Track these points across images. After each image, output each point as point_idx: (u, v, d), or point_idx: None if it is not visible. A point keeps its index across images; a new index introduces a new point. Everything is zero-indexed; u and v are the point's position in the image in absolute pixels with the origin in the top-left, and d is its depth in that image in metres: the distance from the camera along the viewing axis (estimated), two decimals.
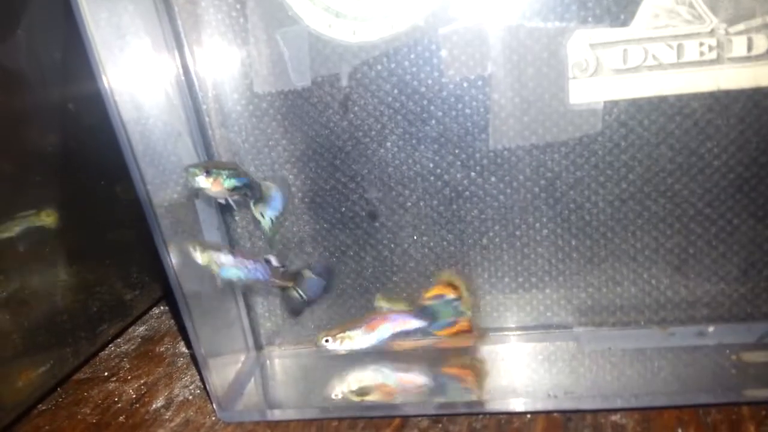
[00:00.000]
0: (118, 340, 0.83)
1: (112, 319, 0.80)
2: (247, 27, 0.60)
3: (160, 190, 0.57)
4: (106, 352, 0.80)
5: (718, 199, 0.62)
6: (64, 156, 0.72)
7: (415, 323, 0.64)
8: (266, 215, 0.63)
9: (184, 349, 0.79)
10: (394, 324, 0.64)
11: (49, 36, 0.69)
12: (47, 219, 0.70)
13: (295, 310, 0.70)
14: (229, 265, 0.61)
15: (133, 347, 0.81)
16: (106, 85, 0.52)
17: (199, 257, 0.60)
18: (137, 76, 0.57)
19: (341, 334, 0.64)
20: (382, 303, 0.65)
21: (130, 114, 0.56)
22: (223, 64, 0.62)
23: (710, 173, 0.61)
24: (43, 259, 0.69)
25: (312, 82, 0.61)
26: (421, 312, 0.64)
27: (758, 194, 0.61)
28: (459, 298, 0.64)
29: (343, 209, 0.66)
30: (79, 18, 0.51)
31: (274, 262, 0.63)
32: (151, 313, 0.89)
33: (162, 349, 0.80)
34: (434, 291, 0.65)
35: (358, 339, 0.64)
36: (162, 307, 0.89)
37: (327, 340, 0.64)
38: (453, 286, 0.65)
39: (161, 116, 0.60)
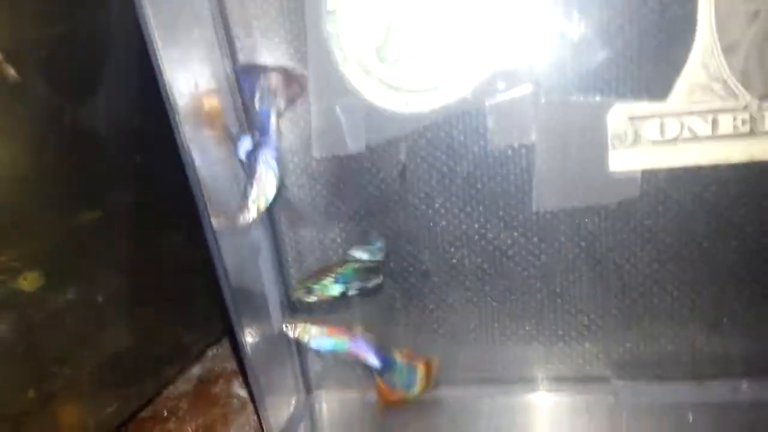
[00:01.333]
0: (177, 381, 0.84)
1: (173, 360, 0.82)
2: (309, 98, 0.63)
3: (227, 238, 0.59)
4: (165, 392, 0.82)
5: (751, 263, 0.62)
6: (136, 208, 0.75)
7: (371, 360, 0.64)
8: None
9: (237, 391, 0.80)
10: (354, 346, 0.63)
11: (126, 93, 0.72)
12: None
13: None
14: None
15: (190, 388, 0.82)
16: (182, 139, 0.54)
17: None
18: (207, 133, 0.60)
19: (302, 326, 0.63)
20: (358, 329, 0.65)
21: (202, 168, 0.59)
22: (286, 132, 0.64)
23: (743, 238, 0.61)
24: (112, 303, 0.72)
25: (366, 148, 0.64)
26: (385, 359, 0.64)
27: None
28: (420, 377, 0.66)
29: (392, 264, 0.68)
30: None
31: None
32: (205, 354, 0.91)
33: (217, 390, 0.80)
34: (410, 356, 0.66)
35: (314, 338, 0.63)
36: (215, 350, 0.91)
37: (287, 327, 0.63)
38: (427, 368, 0.66)
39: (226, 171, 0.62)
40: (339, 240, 0.67)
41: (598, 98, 0.59)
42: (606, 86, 0.58)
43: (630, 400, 0.68)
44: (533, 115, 0.60)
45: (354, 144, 0.64)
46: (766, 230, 0.60)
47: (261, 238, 0.66)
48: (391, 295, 0.68)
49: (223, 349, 0.88)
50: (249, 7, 0.60)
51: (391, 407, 0.68)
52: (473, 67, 0.59)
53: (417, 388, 0.67)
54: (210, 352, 0.91)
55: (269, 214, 0.68)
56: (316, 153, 0.65)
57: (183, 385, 0.83)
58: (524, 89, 0.59)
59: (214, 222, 0.58)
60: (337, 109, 0.62)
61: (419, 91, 0.61)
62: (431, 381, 0.68)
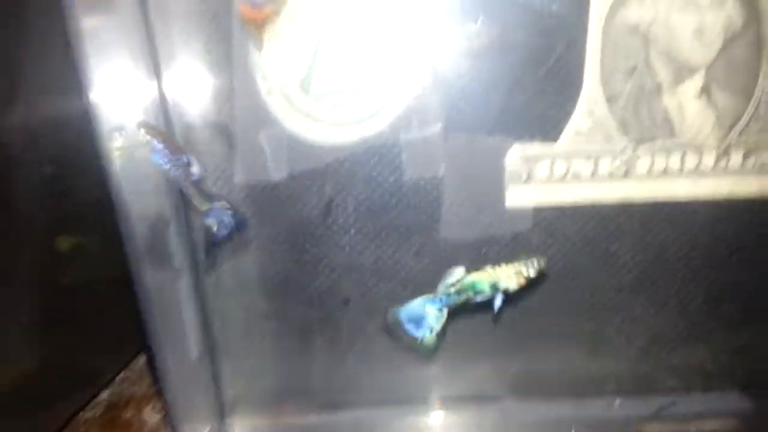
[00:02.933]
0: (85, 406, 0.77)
1: (83, 385, 0.74)
2: (232, 126, 0.61)
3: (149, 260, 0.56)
4: (73, 419, 0.74)
5: (624, 290, 0.66)
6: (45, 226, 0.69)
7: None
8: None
9: (148, 416, 0.73)
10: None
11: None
12: None
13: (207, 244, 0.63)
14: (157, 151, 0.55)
15: (99, 413, 0.75)
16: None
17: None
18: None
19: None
20: None
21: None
22: (207, 157, 0.62)
23: (619, 268, 0.65)
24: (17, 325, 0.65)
25: (288, 176, 0.62)
26: None
27: (658, 287, 0.65)
28: None
29: (311, 289, 0.66)
30: None
31: (195, 168, 0.57)
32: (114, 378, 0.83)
33: (128, 416, 0.74)
34: None
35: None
36: (124, 373, 0.84)
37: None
38: None
39: (150, 198, 0.59)
40: (256, 265, 0.66)
41: (497, 139, 0.62)
42: (505, 129, 0.61)
43: (518, 417, 0.70)
44: (442, 151, 0.62)
45: (276, 172, 0.62)
46: (638, 261, 0.65)
47: (182, 260, 0.63)
48: (309, 320, 0.67)
49: (131, 372, 0.82)
50: (176, 37, 0.58)
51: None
52: (391, 103, 0.60)
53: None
54: (118, 376, 0.84)
55: (189, 237, 0.65)
56: (237, 179, 0.62)
57: (91, 410, 0.76)
58: (435, 127, 0.61)
59: (138, 244, 0.54)
60: (261, 138, 0.61)
61: (341, 124, 0.61)
62: None
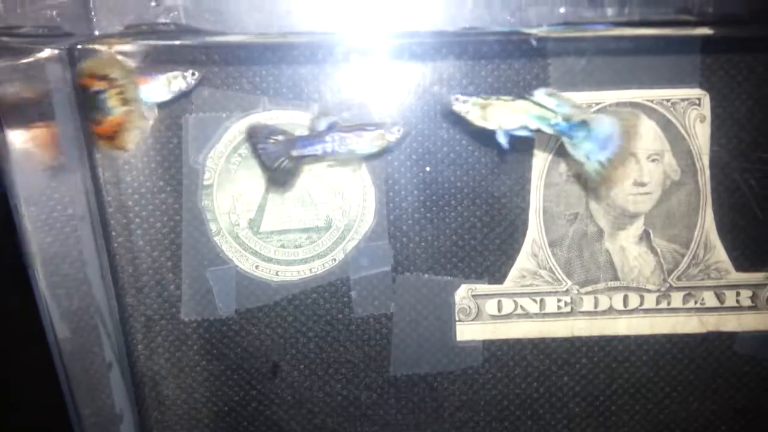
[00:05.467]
0: None
1: None
2: (179, 264, 0.61)
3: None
4: None
5: (573, 420, 0.68)
6: None
7: None
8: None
9: None
10: None
11: None
12: None
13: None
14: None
15: None
16: None
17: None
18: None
19: None
20: None
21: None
22: (153, 294, 0.62)
23: (567, 401, 0.66)
24: None
25: (236, 313, 0.63)
26: None
27: (605, 419, 0.67)
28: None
29: (258, 424, 0.66)
30: None
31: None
32: None
33: None
34: None
35: None
36: None
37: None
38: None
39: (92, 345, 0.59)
40: (205, 398, 0.65)
41: (446, 278, 0.63)
42: (455, 268, 0.63)
43: None
44: (392, 289, 0.64)
45: (224, 309, 0.63)
46: (585, 394, 0.66)
47: (122, 398, 0.62)
48: None
49: None
50: (125, 188, 0.59)
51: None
52: (340, 243, 0.62)
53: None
54: None
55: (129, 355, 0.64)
56: (184, 316, 0.62)
57: None
58: (384, 266, 0.63)
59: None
60: (209, 276, 0.62)
61: (290, 263, 0.62)
62: None
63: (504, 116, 0.50)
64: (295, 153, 0.54)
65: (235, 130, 0.58)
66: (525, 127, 0.50)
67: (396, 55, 0.58)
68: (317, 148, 0.54)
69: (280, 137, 0.54)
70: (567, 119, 0.49)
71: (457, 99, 0.51)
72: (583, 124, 0.49)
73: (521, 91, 0.58)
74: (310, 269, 0.62)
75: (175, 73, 0.56)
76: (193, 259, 0.61)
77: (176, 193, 0.59)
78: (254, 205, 0.60)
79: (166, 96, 0.56)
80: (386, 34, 0.54)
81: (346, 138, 0.54)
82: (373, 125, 0.55)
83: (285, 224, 0.61)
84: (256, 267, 0.61)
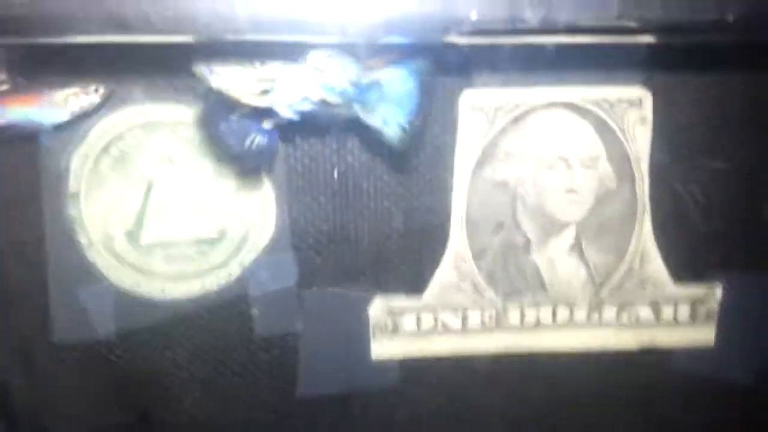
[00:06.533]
0: None
1: None
2: (47, 282, 0.53)
3: None
4: None
5: None
6: None
7: None
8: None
9: None
10: None
11: None
12: None
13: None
14: None
15: None
16: None
17: None
18: None
19: None
20: None
21: None
22: (23, 314, 0.54)
23: (491, 422, 0.62)
24: None
25: (116, 336, 0.55)
26: None
27: None
28: None
29: None
30: None
31: None
32: None
33: None
34: None
35: None
36: None
37: None
38: None
39: None
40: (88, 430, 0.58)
41: (360, 291, 0.57)
42: (368, 281, 0.56)
43: None
44: (298, 306, 0.57)
45: (102, 331, 0.55)
46: (512, 415, 0.62)
47: None
48: None
49: None
50: None
51: None
52: (237, 255, 0.55)
53: None
54: None
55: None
56: (56, 338, 0.55)
57: None
58: (288, 281, 0.56)
59: None
60: (82, 296, 0.54)
61: (178, 278, 0.55)
62: None
63: (280, 87, 0.42)
64: (267, 125, 0.46)
65: (104, 126, 0.50)
66: (307, 99, 0.43)
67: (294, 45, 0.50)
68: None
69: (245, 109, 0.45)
70: (354, 83, 0.43)
71: (211, 72, 0.42)
72: (374, 84, 0.43)
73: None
74: (203, 285, 0.54)
75: (74, 89, 0.47)
76: (62, 277, 0.53)
77: (38, 203, 0.51)
78: (132, 214, 0.52)
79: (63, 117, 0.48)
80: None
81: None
82: None
83: (170, 235, 0.53)
84: (138, 284, 0.53)
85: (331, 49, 0.42)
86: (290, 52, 0.43)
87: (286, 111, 0.43)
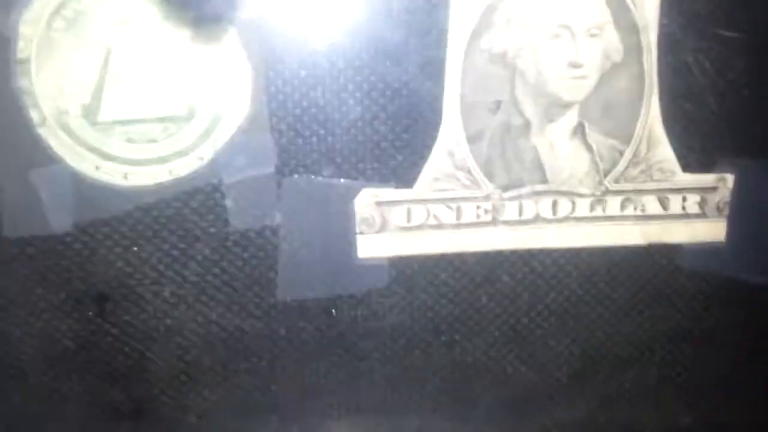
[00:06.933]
0: None
1: None
2: None
3: None
4: None
5: (493, 347, 0.60)
6: None
7: None
8: None
9: None
10: None
11: None
12: None
13: None
14: None
15: None
16: None
17: None
18: None
19: None
20: None
21: None
22: None
23: (486, 325, 0.58)
24: None
25: (74, 227, 0.50)
26: None
27: (528, 344, 0.59)
28: None
29: (115, 364, 0.55)
30: None
31: None
32: None
33: None
34: None
35: None
36: None
37: None
38: None
39: None
40: (44, 333, 0.53)
41: (344, 181, 0.53)
42: (353, 170, 0.51)
43: None
44: (277, 195, 0.52)
45: (58, 222, 0.50)
46: (506, 317, 0.57)
47: None
48: (115, 399, 0.56)
49: None
50: None
51: None
52: (208, 137, 0.50)
53: None
54: None
55: None
56: (8, 232, 0.49)
57: None
58: (266, 167, 0.51)
59: None
60: (33, 179, 0.49)
61: (142, 162, 0.50)
62: None
63: None
64: None
65: None
66: None
67: None
68: None
69: None
70: None
71: None
72: None
73: None
74: (170, 171, 0.49)
75: None
76: (11, 158, 0.47)
77: None
78: (89, 86, 0.46)
79: None
80: None
81: None
82: None
83: (132, 112, 0.47)
84: (97, 168, 0.48)
85: None
86: None
87: None
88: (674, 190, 0.54)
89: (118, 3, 0.45)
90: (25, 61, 0.45)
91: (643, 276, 0.56)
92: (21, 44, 0.45)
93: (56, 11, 0.45)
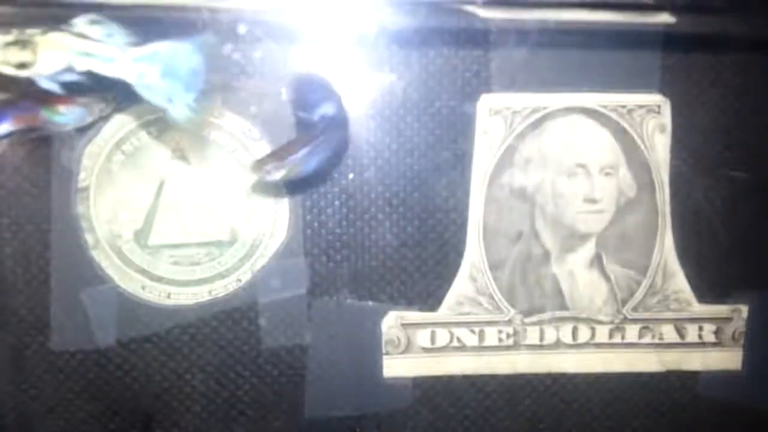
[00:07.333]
0: None
1: None
2: (50, 282, 0.52)
3: None
4: None
5: None
6: None
7: None
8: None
9: None
10: None
11: None
12: None
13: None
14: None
15: None
16: None
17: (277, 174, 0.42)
18: None
19: None
20: None
21: None
22: (18, 319, 0.52)
23: None
24: None
25: (117, 342, 0.53)
26: None
27: None
28: None
29: None
30: None
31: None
32: None
33: None
34: None
35: None
36: None
37: None
38: None
39: None
40: None
41: (372, 303, 0.56)
42: (381, 293, 0.54)
43: None
44: (307, 316, 0.55)
45: (103, 337, 0.53)
46: None
47: None
48: None
49: None
50: None
51: None
52: (247, 260, 0.53)
53: None
54: None
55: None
56: (54, 346, 0.53)
57: None
58: (299, 289, 0.55)
59: None
60: (84, 298, 0.53)
61: (185, 283, 0.53)
62: None
63: (45, 56, 0.37)
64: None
65: (117, 122, 0.50)
66: (70, 69, 0.38)
67: (314, 41, 0.51)
68: None
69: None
70: (125, 51, 0.38)
71: None
72: (152, 57, 0.38)
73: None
74: (210, 291, 0.53)
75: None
76: (65, 277, 0.51)
77: (47, 196, 0.51)
78: (141, 213, 0.51)
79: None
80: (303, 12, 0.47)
81: None
82: None
83: (179, 237, 0.52)
84: (143, 287, 0.52)
85: (98, 14, 0.38)
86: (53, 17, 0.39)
87: (48, 83, 0.39)
88: (690, 320, 0.56)
89: (171, 140, 0.51)
90: (85, 190, 0.50)
91: (662, 403, 0.57)
92: (82, 175, 0.50)
93: (116, 146, 0.50)
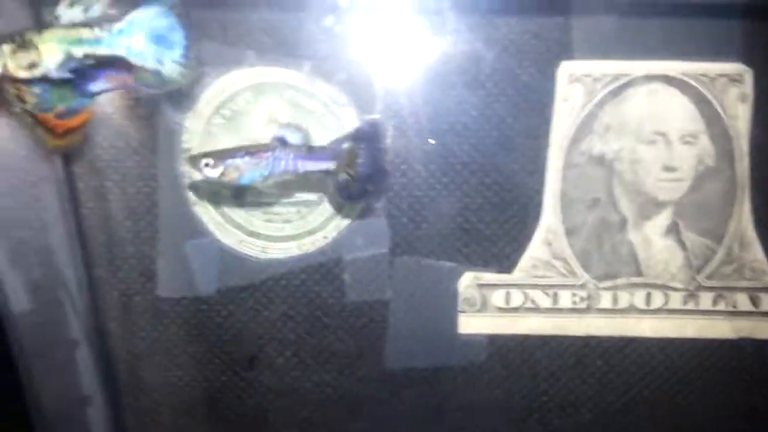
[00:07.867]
0: None
1: None
2: (156, 234, 0.58)
3: None
4: None
5: (583, 427, 0.62)
6: None
7: None
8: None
9: None
10: None
11: None
12: None
13: (351, 195, 0.49)
14: (246, 168, 0.46)
15: None
16: None
17: (212, 171, 0.46)
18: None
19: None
20: None
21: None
22: (128, 268, 0.58)
23: (578, 406, 0.60)
24: None
25: (217, 292, 0.59)
26: None
27: (620, 428, 0.62)
28: None
29: (241, 413, 0.61)
30: None
31: (293, 138, 0.47)
32: None
33: None
34: None
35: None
36: None
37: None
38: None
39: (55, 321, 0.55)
40: (183, 383, 0.61)
41: (450, 263, 0.59)
42: (458, 253, 0.57)
43: None
44: (388, 273, 0.59)
45: (204, 286, 0.58)
46: (599, 402, 0.60)
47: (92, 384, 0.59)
48: None
49: None
50: (94, 148, 0.54)
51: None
52: (333, 219, 0.57)
53: None
54: None
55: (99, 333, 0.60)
56: (161, 292, 0.58)
57: None
58: (381, 247, 0.58)
59: None
60: (188, 250, 0.58)
61: (277, 239, 0.58)
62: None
63: (47, 52, 0.40)
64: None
65: (217, 87, 0.54)
66: (71, 59, 0.41)
67: (401, 11, 0.53)
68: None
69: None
70: (108, 29, 0.41)
71: None
72: (132, 26, 0.41)
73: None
74: (299, 247, 0.57)
75: None
76: (170, 230, 0.57)
77: (153, 156, 0.55)
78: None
79: None
80: None
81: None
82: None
83: (273, 197, 0.56)
84: (241, 242, 0.57)
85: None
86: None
87: (60, 74, 0.42)
88: (765, 289, 0.56)
89: (266, 105, 0.55)
90: (188, 150, 0.55)
91: (734, 370, 0.58)
92: (186, 136, 0.55)
93: (216, 110, 0.54)
